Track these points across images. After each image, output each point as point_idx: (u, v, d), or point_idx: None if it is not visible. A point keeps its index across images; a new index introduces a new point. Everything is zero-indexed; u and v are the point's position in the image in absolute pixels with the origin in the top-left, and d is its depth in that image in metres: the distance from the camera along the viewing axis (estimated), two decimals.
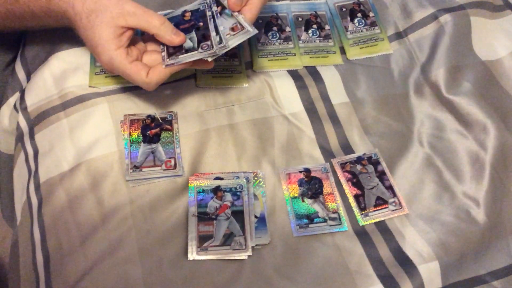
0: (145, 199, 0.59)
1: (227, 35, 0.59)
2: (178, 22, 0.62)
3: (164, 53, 0.59)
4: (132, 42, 0.59)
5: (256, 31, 0.58)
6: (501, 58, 0.71)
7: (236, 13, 0.60)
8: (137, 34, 0.63)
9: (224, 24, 0.60)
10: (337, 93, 0.70)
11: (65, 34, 0.67)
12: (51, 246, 0.57)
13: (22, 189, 0.63)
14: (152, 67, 0.58)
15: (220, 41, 0.58)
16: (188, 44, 0.59)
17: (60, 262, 0.56)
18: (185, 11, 0.63)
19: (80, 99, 0.64)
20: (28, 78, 0.69)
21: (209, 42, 0.59)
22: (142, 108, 0.65)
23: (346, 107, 0.69)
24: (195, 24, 0.61)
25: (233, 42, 0.59)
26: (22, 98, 0.67)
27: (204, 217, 0.58)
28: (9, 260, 0.63)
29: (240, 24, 0.59)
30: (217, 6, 0.62)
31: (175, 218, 0.58)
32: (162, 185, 0.60)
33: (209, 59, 0.58)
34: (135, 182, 0.60)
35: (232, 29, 0.60)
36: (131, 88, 0.65)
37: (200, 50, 0.58)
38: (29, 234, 0.59)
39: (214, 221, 0.57)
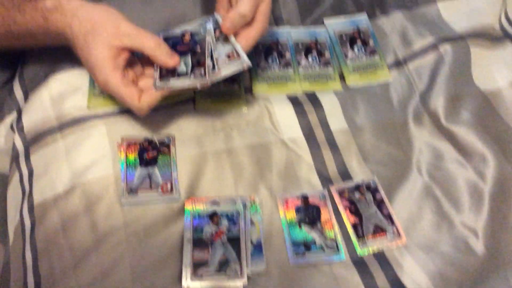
0: (140, 223, 0.58)
1: (222, 62, 0.59)
2: (176, 43, 0.62)
3: (157, 74, 0.59)
4: (129, 64, 0.59)
5: (250, 64, 0.58)
6: (500, 89, 0.71)
7: (234, 41, 0.60)
8: (136, 56, 0.63)
9: (221, 49, 0.60)
10: (336, 120, 0.69)
11: (64, 55, 0.67)
12: (43, 270, 0.56)
13: (16, 210, 0.62)
14: (144, 91, 0.58)
15: (213, 68, 0.58)
16: (182, 68, 0.59)
17: (52, 286, 0.55)
18: (185, 32, 0.63)
19: (77, 121, 0.64)
20: (26, 98, 0.69)
21: (202, 70, 0.58)
22: (139, 131, 0.65)
23: (345, 133, 0.68)
24: (192, 48, 0.61)
25: (225, 72, 0.58)
26: (19, 118, 0.66)
27: (199, 242, 0.57)
28: None
29: (237, 53, 0.59)
30: (217, 30, 0.62)
31: (170, 243, 0.57)
32: (157, 209, 0.59)
33: (199, 87, 0.58)
34: (130, 205, 0.59)
35: (228, 56, 0.59)
36: (129, 111, 0.65)
37: (192, 76, 0.58)
38: (21, 256, 0.58)
39: (210, 247, 0.57)
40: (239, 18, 0.59)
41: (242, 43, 0.60)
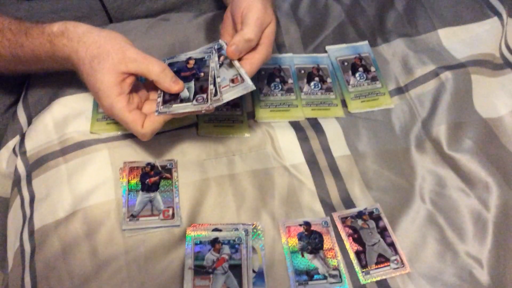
0: (140, 249, 0.58)
1: (225, 87, 0.59)
2: (180, 69, 0.62)
3: (160, 99, 0.60)
4: (134, 89, 0.60)
5: (254, 88, 0.58)
6: (502, 116, 0.72)
7: (238, 65, 0.60)
8: (140, 80, 0.63)
9: (225, 74, 0.61)
10: (339, 146, 0.69)
11: (68, 79, 0.67)
12: None
13: (16, 235, 0.62)
14: (147, 116, 0.58)
15: (216, 94, 0.58)
16: (185, 93, 0.59)
17: None
18: (189, 58, 0.63)
19: (80, 145, 0.64)
20: (29, 123, 0.69)
21: (204, 95, 0.59)
22: (142, 156, 0.64)
23: (347, 160, 0.68)
24: (196, 73, 0.61)
25: (229, 96, 0.58)
26: (22, 142, 0.66)
27: (200, 270, 0.56)
28: None
29: (241, 77, 0.59)
30: (222, 56, 0.62)
31: (170, 270, 0.57)
32: (158, 235, 0.59)
33: (202, 112, 0.58)
34: (131, 231, 0.59)
35: (232, 80, 0.60)
36: (132, 135, 0.65)
37: (194, 102, 0.58)
38: (20, 282, 0.58)
39: (211, 275, 0.56)
40: (244, 42, 0.59)
41: (246, 68, 0.60)
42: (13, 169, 0.66)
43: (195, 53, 0.64)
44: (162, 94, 0.60)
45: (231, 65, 0.61)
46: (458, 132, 0.69)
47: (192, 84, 0.60)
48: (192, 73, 0.62)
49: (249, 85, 0.58)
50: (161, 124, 0.59)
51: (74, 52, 0.58)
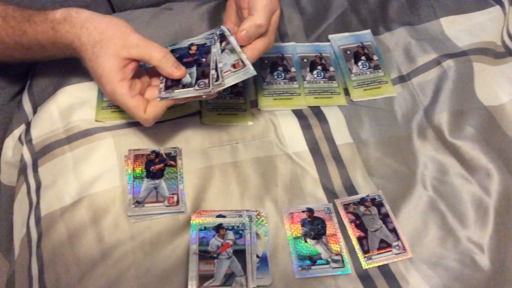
0: (146, 235, 0.58)
1: (226, 71, 0.59)
2: (182, 55, 0.63)
3: (162, 85, 0.60)
4: (136, 75, 0.60)
5: (255, 73, 0.58)
6: (503, 104, 0.72)
7: (239, 50, 0.60)
8: (143, 67, 0.64)
9: (227, 59, 0.61)
10: (341, 134, 0.70)
11: (73, 68, 0.68)
12: (48, 282, 0.56)
13: (22, 222, 0.63)
14: (149, 102, 0.59)
15: (217, 79, 0.59)
16: (187, 79, 0.60)
17: None
18: (191, 44, 0.64)
19: (85, 133, 0.64)
20: (35, 111, 0.69)
21: (206, 80, 0.59)
22: (147, 144, 0.65)
23: (350, 147, 0.69)
24: (198, 59, 0.62)
25: (230, 80, 0.59)
26: (27, 130, 0.67)
27: (205, 255, 0.57)
28: None
29: (242, 62, 0.60)
30: (223, 41, 0.63)
31: (175, 255, 0.58)
32: (163, 222, 0.60)
33: (204, 97, 0.59)
34: (136, 218, 0.59)
35: (234, 65, 0.60)
36: (137, 123, 0.66)
37: (196, 87, 0.59)
38: (27, 268, 0.59)
39: (215, 260, 0.57)
40: (255, 28, 0.59)
41: (247, 53, 0.60)
42: (19, 157, 0.67)
43: (197, 39, 0.64)
44: (164, 80, 0.60)
45: (232, 50, 0.61)
46: (459, 120, 0.70)
47: (194, 69, 0.61)
48: (194, 59, 0.62)
49: (250, 70, 0.58)
50: (163, 109, 0.59)
51: (77, 38, 0.58)
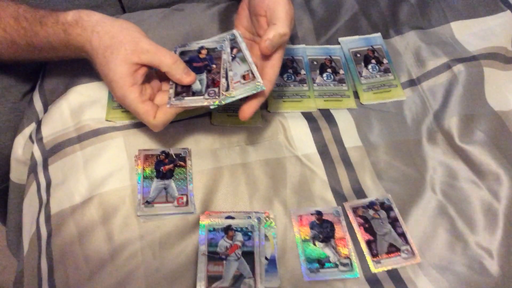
0: (155, 235, 0.59)
1: (236, 82, 0.59)
2: (192, 59, 0.62)
3: (172, 91, 0.60)
4: (147, 80, 0.60)
5: (264, 88, 0.57)
6: None
7: (251, 60, 0.60)
8: (153, 71, 0.64)
9: (237, 69, 0.60)
10: (350, 137, 0.70)
11: (84, 67, 0.68)
12: (58, 280, 0.56)
13: (32, 220, 0.63)
14: (159, 107, 0.59)
15: (227, 89, 0.58)
16: (197, 86, 0.60)
17: None
18: (202, 48, 0.63)
19: (96, 133, 0.65)
20: (45, 110, 0.70)
21: (216, 89, 0.59)
22: (156, 144, 0.65)
23: (359, 150, 0.69)
24: (208, 65, 0.61)
25: (239, 93, 0.58)
26: (38, 128, 0.67)
27: (214, 256, 0.57)
28: None
29: (252, 73, 0.59)
30: (234, 47, 0.62)
31: (184, 256, 0.58)
32: (173, 222, 0.60)
33: (212, 107, 0.58)
34: (146, 217, 0.59)
35: (244, 77, 0.59)
36: None
37: (206, 96, 0.59)
38: (36, 266, 0.59)
39: (224, 261, 0.57)
40: (279, 38, 0.57)
41: (269, 73, 0.58)
42: (29, 155, 0.67)
43: (208, 42, 0.64)
44: (174, 86, 0.60)
45: (243, 59, 0.60)
46: (469, 124, 0.70)
47: (204, 76, 0.60)
48: (205, 64, 0.62)
49: (260, 85, 0.57)
50: (172, 116, 0.59)
51: (88, 42, 0.58)
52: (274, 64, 0.60)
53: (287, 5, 0.59)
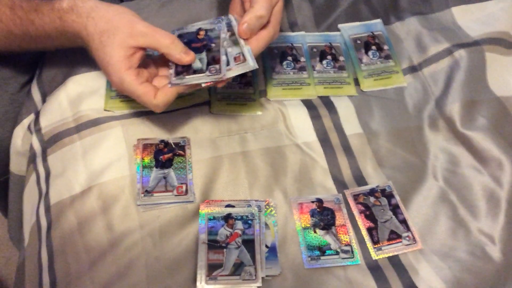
0: (155, 224, 0.58)
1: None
2: (191, 40, 0.62)
3: (172, 71, 0.59)
4: (143, 65, 0.60)
5: (256, 66, 0.57)
6: None
7: (243, 43, 0.59)
8: (150, 56, 0.63)
9: (230, 51, 0.60)
10: (351, 124, 0.69)
11: (82, 57, 0.67)
12: (58, 269, 0.56)
13: (32, 210, 0.63)
14: (159, 88, 0.58)
15: (228, 64, 0.58)
16: (197, 64, 0.59)
17: (67, 286, 0.55)
18: (199, 29, 0.63)
19: (94, 122, 0.64)
20: (44, 100, 0.70)
21: (217, 66, 0.58)
22: (155, 133, 0.65)
23: (360, 138, 0.68)
24: (207, 44, 0.61)
25: (230, 73, 0.58)
26: (36, 119, 0.67)
27: (214, 244, 0.57)
28: (14, 281, 0.62)
29: (243, 56, 0.59)
30: (228, 31, 0.62)
31: (184, 245, 0.58)
32: (172, 211, 0.60)
33: (212, 84, 0.58)
34: (145, 207, 0.59)
35: (235, 58, 0.59)
36: (146, 113, 0.66)
37: (207, 73, 0.58)
38: (37, 256, 0.59)
39: (225, 250, 0.57)
40: (256, 20, 0.58)
41: (253, 44, 0.59)
42: (28, 146, 0.67)
43: (205, 24, 0.63)
44: (174, 66, 0.60)
45: (236, 42, 0.60)
46: (471, 110, 0.69)
47: (204, 55, 0.60)
48: (203, 44, 0.61)
49: (251, 64, 0.57)
50: (174, 96, 0.59)
51: (84, 27, 0.58)
52: (259, 39, 0.59)
53: None
